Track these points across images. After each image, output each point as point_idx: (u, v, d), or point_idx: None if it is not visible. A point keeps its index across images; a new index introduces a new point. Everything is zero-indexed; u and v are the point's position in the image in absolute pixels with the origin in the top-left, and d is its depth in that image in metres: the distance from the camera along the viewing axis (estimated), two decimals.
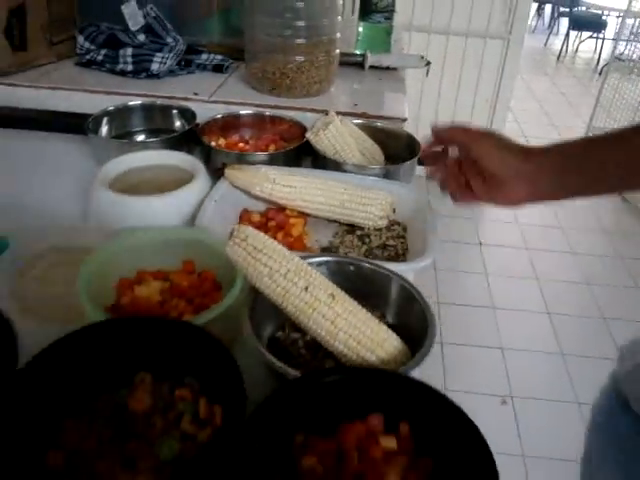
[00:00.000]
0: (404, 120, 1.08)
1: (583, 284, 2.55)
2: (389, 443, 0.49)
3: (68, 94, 1.17)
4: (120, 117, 1.10)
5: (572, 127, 4.04)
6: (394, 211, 0.83)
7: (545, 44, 7.18)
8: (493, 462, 0.44)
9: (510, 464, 1.74)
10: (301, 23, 1.07)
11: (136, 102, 1.11)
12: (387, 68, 1.23)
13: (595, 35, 6.46)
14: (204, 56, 1.32)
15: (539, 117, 4.76)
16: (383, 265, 0.66)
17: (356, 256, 0.77)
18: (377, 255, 0.79)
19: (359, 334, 0.55)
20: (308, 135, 0.92)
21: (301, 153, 0.97)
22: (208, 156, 0.97)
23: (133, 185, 0.86)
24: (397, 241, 0.80)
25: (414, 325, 0.61)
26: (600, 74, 5.66)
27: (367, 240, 0.81)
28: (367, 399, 0.51)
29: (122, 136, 1.09)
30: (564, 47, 6.59)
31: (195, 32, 1.39)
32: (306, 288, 0.55)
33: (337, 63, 1.19)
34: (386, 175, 0.91)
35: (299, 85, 1.14)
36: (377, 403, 0.51)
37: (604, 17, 6.44)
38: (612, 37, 6.04)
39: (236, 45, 1.27)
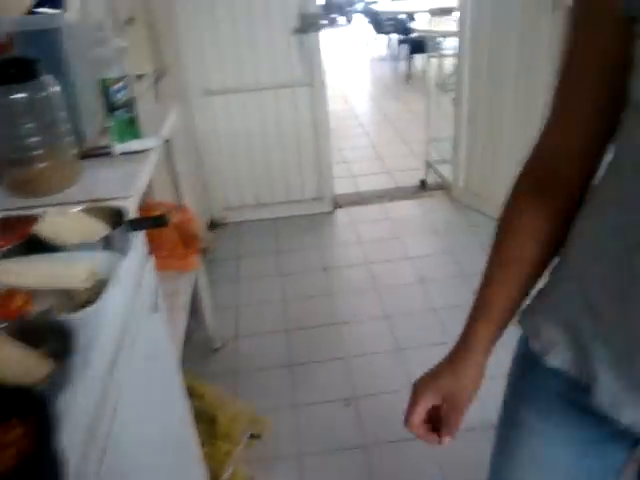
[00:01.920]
0: (133, 196, 1.31)
1: (416, 283, 2.88)
2: None
3: None
4: None
5: (421, 140, 4.46)
6: (96, 275, 1.07)
7: (395, 70, 7.84)
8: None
9: (354, 455, 2.00)
10: (35, 139, 1.30)
11: None
12: (135, 152, 1.49)
13: (434, 55, 7.11)
14: None
15: (393, 136, 5.20)
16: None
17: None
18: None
19: None
20: (33, 229, 1.15)
21: (31, 245, 1.18)
22: None
23: None
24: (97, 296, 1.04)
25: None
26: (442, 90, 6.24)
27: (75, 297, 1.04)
28: None
29: None
30: (409, 70, 7.24)
31: None
32: None
33: (79, 160, 1.42)
34: (105, 246, 1.15)
35: (45, 186, 1.36)
36: None
37: (438, 40, 7.11)
38: (450, 55, 6.69)
39: None
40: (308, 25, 3.06)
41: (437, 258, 3.12)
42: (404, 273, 2.97)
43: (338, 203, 3.67)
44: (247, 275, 3.05)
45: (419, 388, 0.84)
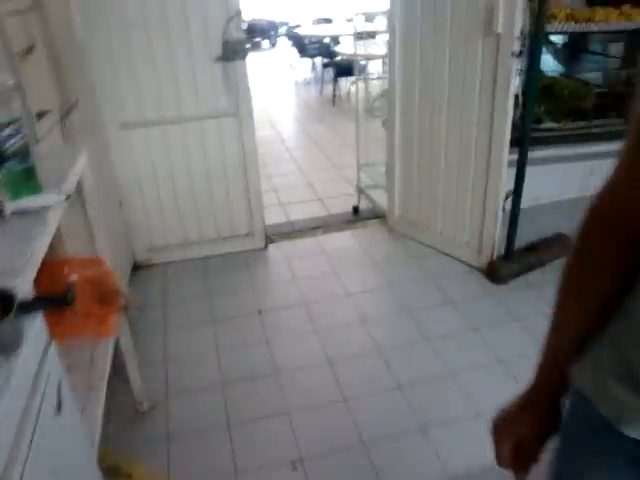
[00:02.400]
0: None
1: (357, 322, 2.72)
2: None
3: None
4: None
5: (351, 165, 4.32)
6: None
7: (320, 93, 7.77)
8: None
9: None
10: None
11: None
12: (33, 211, 1.25)
13: (360, 78, 7.12)
14: None
15: (323, 162, 5.07)
16: None
17: None
18: None
19: None
20: None
21: None
22: None
23: None
24: None
25: None
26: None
27: None
28: None
29: None
30: (335, 93, 7.19)
31: None
32: None
33: None
34: None
35: None
36: None
37: (364, 63, 7.13)
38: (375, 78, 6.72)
39: None
40: (233, 52, 2.88)
41: (378, 293, 2.98)
42: (344, 312, 2.81)
43: (271, 238, 3.48)
44: (176, 323, 2.80)
45: (500, 431, 0.88)
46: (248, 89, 3.04)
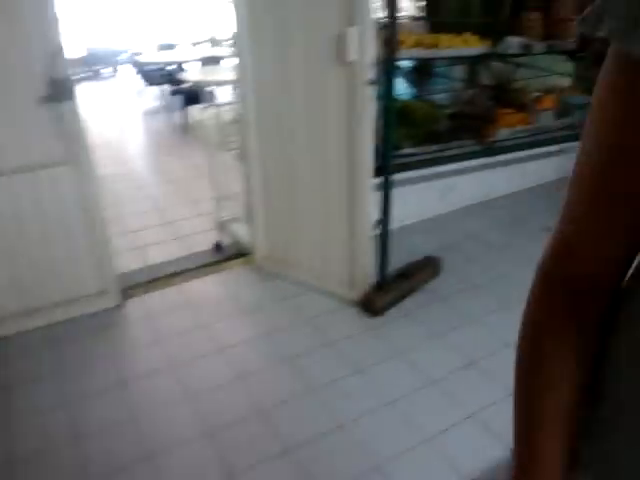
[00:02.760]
0: None
1: (235, 381, 2.48)
2: None
3: None
4: None
5: (210, 198, 4.04)
6: None
7: (170, 122, 7.40)
8: None
9: None
10: None
11: None
12: None
13: (210, 105, 6.87)
14: None
15: (179, 197, 4.75)
16: None
17: None
18: None
19: None
20: None
21: None
22: None
23: None
24: None
25: None
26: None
27: None
28: None
29: None
30: (186, 122, 6.88)
31: None
32: None
33: None
34: None
35: None
36: None
37: (212, 89, 6.90)
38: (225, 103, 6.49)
39: None
40: (58, 92, 2.53)
41: (252, 344, 2.75)
42: (219, 371, 2.55)
43: (128, 292, 3.12)
44: (21, 408, 2.37)
45: None
46: (81, 131, 2.69)
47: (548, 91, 3.91)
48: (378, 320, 2.87)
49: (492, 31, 2.97)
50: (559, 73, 4.34)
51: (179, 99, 7.06)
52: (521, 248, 3.64)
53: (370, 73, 2.46)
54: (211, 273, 3.36)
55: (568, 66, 4.55)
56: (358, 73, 2.47)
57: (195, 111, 6.99)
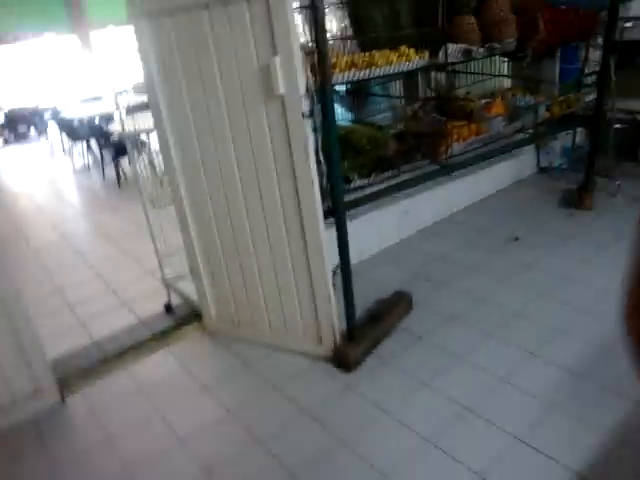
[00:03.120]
0: None
1: (204, 477, 2.11)
2: None
3: None
4: None
5: (153, 255, 3.69)
6: None
7: (103, 177, 7.00)
8: None
9: None
10: None
11: None
12: None
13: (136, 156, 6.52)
14: None
15: (121, 259, 4.37)
16: None
17: None
18: None
19: None
20: None
21: None
22: None
23: None
24: None
25: None
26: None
27: None
28: None
29: None
30: (119, 175, 6.49)
31: None
32: None
33: None
34: None
35: None
36: None
37: (141, 138, 6.54)
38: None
39: None
40: None
41: (217, 428, 2.37)
42: (182, 468, 2.17)
43: (69, 385, 2.73)
44: None
45: None
46: None
47: (492, 95, 3.73)
48: (354, 375, 2.55)
49: (429, 41, 2.74)
50: (500, 75, 4.18)
51: (109, 152, 6.68)
52: (490, 265, 3.41)
53: (304, 104, 2.18)
54: (162, 346, 2.98)
55: (505, 67, 4.41)
56: (291, 107, 2.18)
57: (126, 163, 6.62)
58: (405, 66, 2.67)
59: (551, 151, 4.86)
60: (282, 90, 2.16)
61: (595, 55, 4.15)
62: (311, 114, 2.23)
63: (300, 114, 2.17)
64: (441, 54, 2.74)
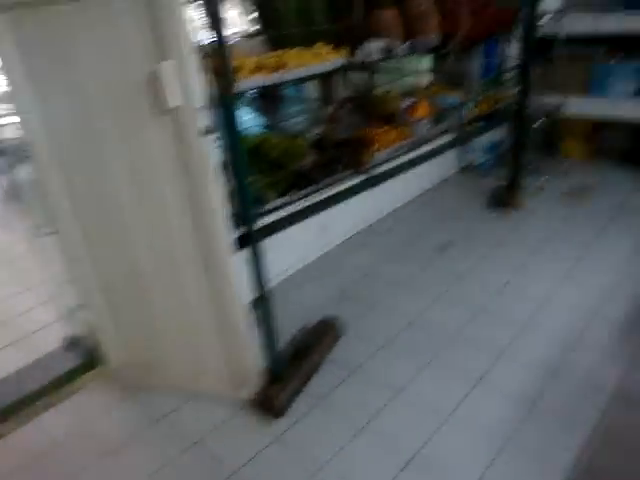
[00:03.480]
0: None
1: None
2: None
3: None
4: None
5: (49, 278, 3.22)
6: None
7: None
8: None
9: None
10: None
11: None
12: None
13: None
14: None
15: (13, 284, 3.88)
16: None
17: None
18: None
19: None
20: None
21: None
22: None
23: None
24: None
25: None
26: None
27: None
28: None
29: None
30: (13, 186, 5.84)
31: None
32: None
33: None
34: None
35: None
36: None
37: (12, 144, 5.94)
38: None
39: None
40: None
41: None
42: None
43: None
44: None
45: None
46: None
47: (413, 93, 3.49)
48: (283, 422, 2.23)
49: (347, 37, 2.43)
50: (422, 72, 3.95)
51: (3, 161, 6.00)
52: (421, 279, 3.17)
53: (203, 118, 1.82)
54: (56, 399, 2.54)
55: (426, 62, 4.18)
56: (187, 121, 1.82)
57: (23, 173, 5.97)
58: (321, 67, 2.35)
59: (470, 149, 4.70)
60: (175, 102, 1.78)
61: (512, 50, 4.03)
62: (212, 129, 1.87)
63: (198, 129, 1.81)
64: (361, 52, 2.45)
